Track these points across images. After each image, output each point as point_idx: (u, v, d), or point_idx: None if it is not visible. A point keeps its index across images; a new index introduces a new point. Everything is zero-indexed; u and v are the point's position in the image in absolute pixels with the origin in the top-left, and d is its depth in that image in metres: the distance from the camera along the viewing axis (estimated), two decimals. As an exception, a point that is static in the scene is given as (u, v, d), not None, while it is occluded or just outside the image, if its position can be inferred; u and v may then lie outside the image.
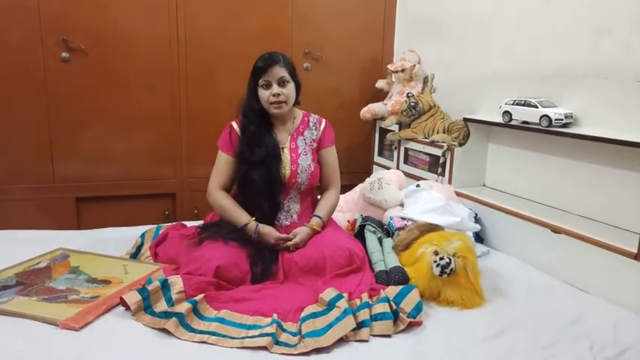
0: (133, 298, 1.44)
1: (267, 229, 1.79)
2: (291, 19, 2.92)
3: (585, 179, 1.95)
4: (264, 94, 1.81)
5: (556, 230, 1.88)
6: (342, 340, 1.37)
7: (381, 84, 3.07)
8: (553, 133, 1.92)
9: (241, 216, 1.80)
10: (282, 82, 1.80)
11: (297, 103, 1.92)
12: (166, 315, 1.40)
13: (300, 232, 1.80)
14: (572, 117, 1.95)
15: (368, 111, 2.96)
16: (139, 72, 2.68)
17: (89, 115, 2.64)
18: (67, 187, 2.67)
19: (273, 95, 1.79)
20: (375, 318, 1.44)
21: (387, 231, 2.01)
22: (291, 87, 1.83)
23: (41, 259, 1.79)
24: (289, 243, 1.78)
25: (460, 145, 2.40)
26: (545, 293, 1.72)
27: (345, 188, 2.13)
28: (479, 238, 2.17)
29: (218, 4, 2.75)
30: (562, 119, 1.91)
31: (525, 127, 2.03)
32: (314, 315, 1.44)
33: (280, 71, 1.79)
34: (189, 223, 2.07)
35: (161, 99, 2.76)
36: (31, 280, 1.63)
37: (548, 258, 1.91)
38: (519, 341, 1.42)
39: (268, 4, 2.87)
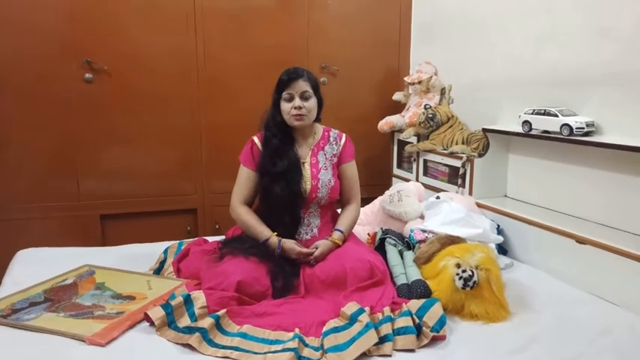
0: (157, 313, 1.46)
1: (289, 245, 1.80)
2: (307, 34, 2.96)
3: (609, 188, 1.91)
4: (286, 106, 1.83)
5: (581, 241, 1.85)
6: (364, 355, 1.36)
7: (398, 96, 3.08)
8: (574, 142, 1.90)
9: (263, 231, 1.82)
10: (304, 96, 1.83)
11: (317, 120, 1.94)
12: (190, 330, 1.42)
13: (321, 245, 1.81)
14: (593, 125, 1.92)
15: (386, 123, 2.97)
16: (159, 90, 2.74)
17: (112, 134, 2.70)
18: (92, 205, 2.72)
19: (295, 108, 1.82)
20: (397, 332, 1.43)
21: (408, 244, 2.00)
22: (313, 102, 1.85)
23: (68, 276, 1.82)
24: (310, 258, 1.78)
25: (480, 155, 2.39)
26: (571, 305, 1.68)
27: (364, 201, 2.13)
28: (502, 249, 2.14)
29: (235, 21, 2.81)
30: (583, 128, 1.89)
31: (546, 136, 2.01)
32: (336, 329, 1.44)
33: (303, 85, 1.82)
34: (210, 239, 2.09)
35: (181, 115, 2.81)
36: (58, 296, 1.67)
37: (574, 269, 1.87)
38: (545, 355, 1.39)
39: (285, 20, 2.92)
